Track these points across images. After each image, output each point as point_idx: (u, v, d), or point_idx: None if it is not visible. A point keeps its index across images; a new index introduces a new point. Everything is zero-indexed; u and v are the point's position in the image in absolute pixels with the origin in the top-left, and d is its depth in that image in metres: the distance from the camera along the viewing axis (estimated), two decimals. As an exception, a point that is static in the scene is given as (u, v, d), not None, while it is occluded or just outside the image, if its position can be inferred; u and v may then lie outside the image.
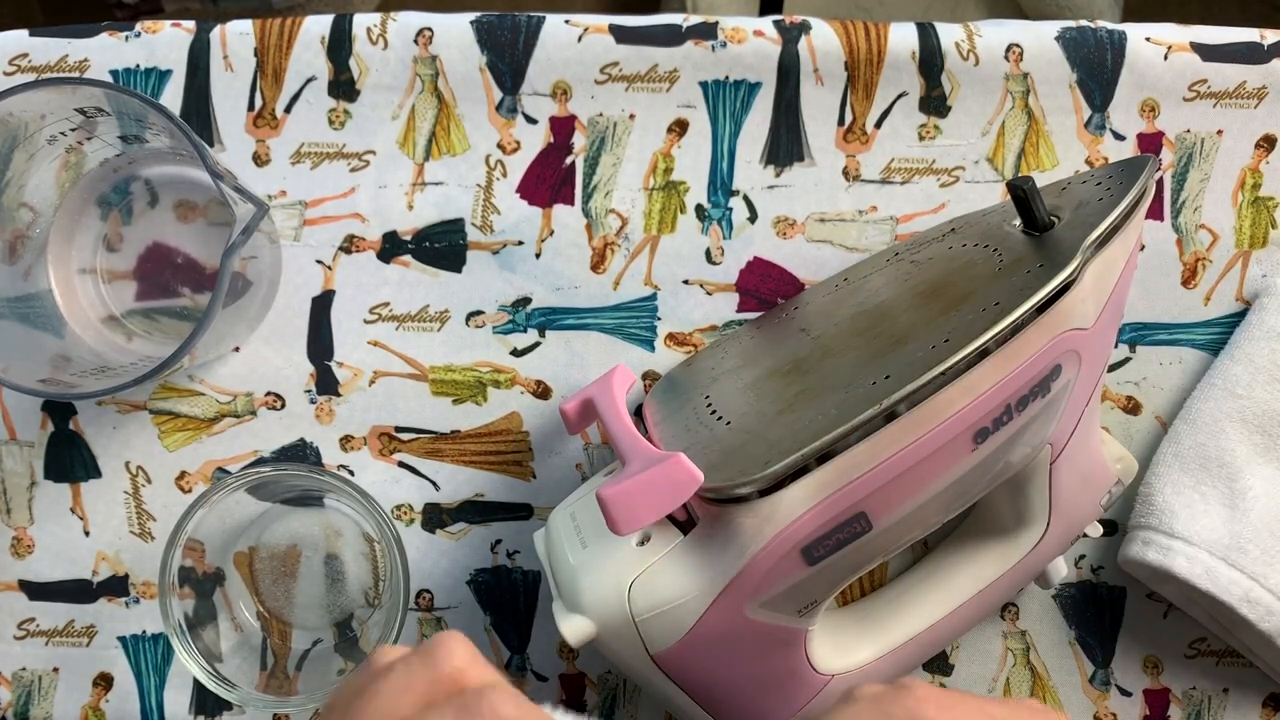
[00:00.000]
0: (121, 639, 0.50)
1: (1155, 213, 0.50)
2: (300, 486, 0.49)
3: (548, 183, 0.50)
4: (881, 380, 0.37)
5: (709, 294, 0.50)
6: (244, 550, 0.50)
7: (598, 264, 0.50)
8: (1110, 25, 0.50)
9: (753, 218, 0.50)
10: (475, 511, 0.50)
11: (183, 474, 0.50)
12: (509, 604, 0.50)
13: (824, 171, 0.50)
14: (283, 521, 0.50)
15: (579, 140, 0.50)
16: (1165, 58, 0.50)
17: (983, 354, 0.36)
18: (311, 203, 0.50)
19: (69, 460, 0.50)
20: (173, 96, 0.50)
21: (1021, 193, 0.40)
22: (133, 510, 0.50)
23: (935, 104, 0.50)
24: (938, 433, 0.37)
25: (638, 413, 0.49)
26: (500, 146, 0.50)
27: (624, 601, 0.39)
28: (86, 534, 0.50)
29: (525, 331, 0.50)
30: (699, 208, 0.50)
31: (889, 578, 0.50)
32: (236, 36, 0.50)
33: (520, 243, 0.50)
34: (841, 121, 0.50)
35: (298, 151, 0.50)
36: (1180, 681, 0.51)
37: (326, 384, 0.50)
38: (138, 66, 0.50)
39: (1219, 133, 0.50)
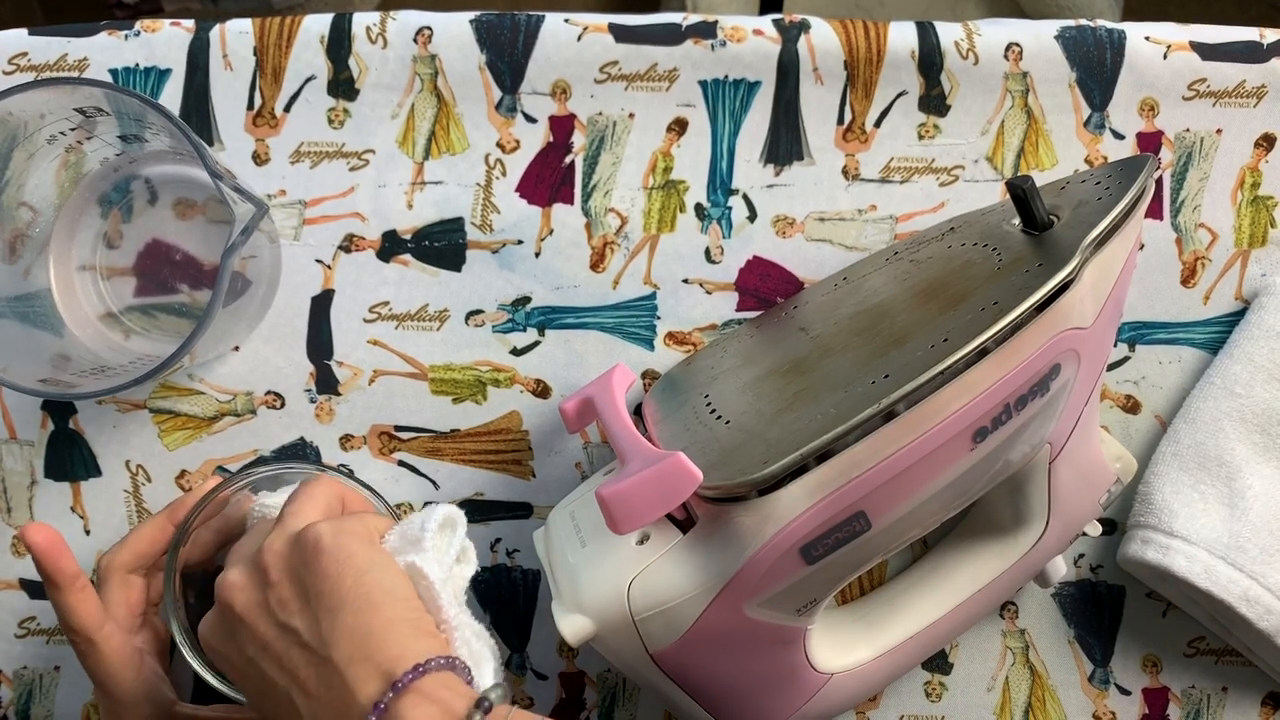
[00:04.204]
0: (122, 638, 0.50)
1: (1154, 212, 0.50)
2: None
3: (547, 182, 0.50)
4: (880, 380, 0.37)
5: (708, 293, 0.50)
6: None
7: (597, 263, 0.50)
8: (1110, 24, 0.50)
9: (752, 217, 0.50)
10: (475, 510, 0.50)
11: (183, 473, 0.50)
12: (509, 603, 0.50)
13: (823, 170, 0.50)
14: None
15: (578, 139, 0.50)
16: (1165, 57, 0.50)
17: (982, 353, 0.36)
18: (311, 202, 0.50)
19: (69, 459, 0.50)
20: (172, 95, 0.50)
21: (1021, 192, 0.40)
22: (133, 509, 0.50)
23: (935, 103, 0.50)
24: (937, 432, 0.37)
25: (637, 412, 0.49)
26: (500, 145, 0.50)
27: (623, 600, 0.39)
28: (87, 533, 0.50)
29: (525, 330, 0.50)
30: (698, 207, 0.50)
31: (888, 576, 0.50)
32: (236, 35, 0.50)
33: (520, 242, 0.50)
34: (841, 120, 0.50)
35: (297, 150, 0.50)
36: (1179, 680, 0.51)
37: (326, 383, 0.50)
38: (137, 65, 0.50)
39: (1218, 132, 0.50)
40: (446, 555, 0.38)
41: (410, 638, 0.34)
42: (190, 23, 0.50)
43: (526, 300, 0.50)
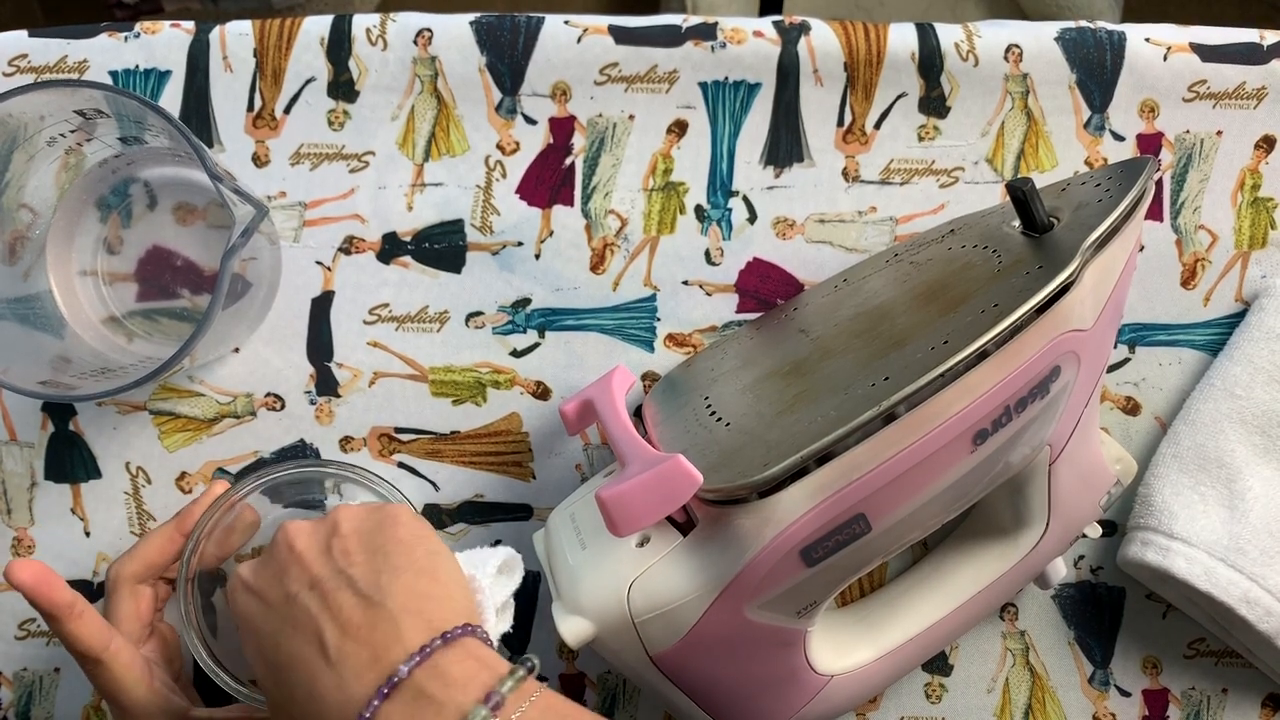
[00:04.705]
0: (122, 639, 0.50)
1: (1155, 213, 0.50)
2: (308, 493, 0.49)
3: (547, 183, 0.50)
4: (880, 382, 0.37)
5: (708, 295, 0.50)
6: (247, 552, 0.50)
7: (597, 265, 0.50)
8: (1110, 26, 0.50)
9: (752, 218, 0.50)
10: (475, 512, 0.50)
11: (183, 474, 0.50)
12: (509, 604, 0.50)
13: (823, 172, 0.50)
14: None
15: (578, 141, 0.50)
16: (1165, 58, 0.50)
17: (982, 355, 0.36)
18: (311, 204, 0.50)
19: (69, 461, 0.50)
20: (172, 97, 0.50)
21: (1021, 194, 0.40)
22: (133, 511, 0.50)
23: (934, 104, 0.50)
24: (937, 434, 0.37)
25: (637, 414, 0.49)
26: (500, 147, 0.50)
27: (623, 602, 0.39)
28: (87, 534, 0.50)
29: (525, 332, 0.50)
30: (698, 208, 0.50)
31: (888, 578, 0.50)
32: (236, 37, 0.50)
33: (520, 243, 0.50)
34: (841, 122, 0.50)
35: (297, 152, 0.50)
36: (1179, 682, 0.51)
37: (326, 385, 0.50)
38: (137, 67, 0.50)
39: (1218, 133, 0.50)
40: (499, 594, 0.40)
41: (463, 614, 0.35)
42: (190, 24, 0.50)
43: (526, 302, 0.50)
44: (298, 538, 0.38)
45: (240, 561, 0.49)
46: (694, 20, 0.50)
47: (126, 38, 0.50)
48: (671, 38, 0.50)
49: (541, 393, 0.50)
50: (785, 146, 0.50)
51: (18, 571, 0.40)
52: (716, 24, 0.50)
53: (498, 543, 0.50)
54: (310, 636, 0.34)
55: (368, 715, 0.31)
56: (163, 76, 0.50)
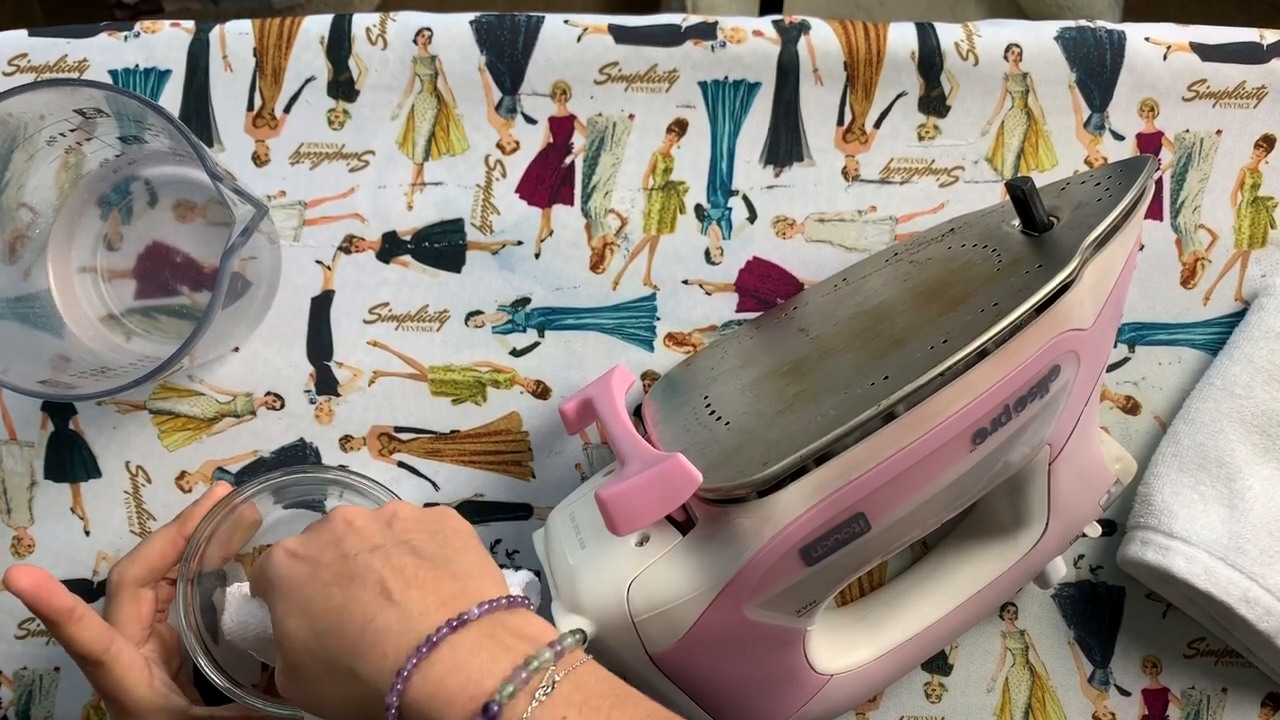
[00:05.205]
0: (122, 638, 0.50)
1: (1154, 213, 0.50)
2: (310, 494, 0.49)
3: (547, 183, 0.50)
4: (880, 381, 0.37)
5: (708, 294, 0.50)
6: (248, 552, 0.50)
7: (597, 264, 0.50)
8: (1110, 25, 0.50)
9: (752, 218, 0.50)
10: (475, 511, 0.50)
11: (183, 474, 0.50)
12: (508, 604, 0.50)
13: (823, 171, 0.50)
14: (288, 525, 0.50)
15: (578, 140, 0.50)
16: (1164, 58, 0.50)
17: (981, 354, 0.36)
18: (311, 203, 0.50)
19: (69, 460, 0.50)
20: (172, 96, 0.50)
21: (1020, 193, 0.40)
22: (133, 510, 0.50)
23: (934, 104, 0.50)
24: (936, 433, 0.37)
25: (637, 413, 0.49)
26: (499, 146, 0.50)
27: (623, 602, 0.39)
28: (87, 534, 0.50)
29: (524, 331, 0.50)
30: (698, 208, 0.50)
31: (888, 578, 0.50)
32: (236, 36, 0.50)
33: (519, 243, 0.50)
34: (841, 121, 0.50)
35: (297, 152, 0.50)
36: (1179, 681, 0.51)
37: (326, 384, 0.50)
38: (137, 66, 0.50)
39: (1218, 132, 0.50)
40: None
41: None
42: (190, 24, 0.50)
43: (526, 301, 0.50)
44: (357, 516, 0.38)
45: (241, 561, 0.49)
46: (694, 19, 0.50)
47: (126, 37, 0.50)
48: (671, 37, 0.50)
49: (541, 392, 0.50)
50: (785, 146, 0.50)
51: (17, 579, 0.40)
52: (716, 23, 0.50)
53: (512, 557, 0.50)
54: (371, 584, 0.34)
55: (435, 639, 0.32)
56: (163, 76, 0.50)
